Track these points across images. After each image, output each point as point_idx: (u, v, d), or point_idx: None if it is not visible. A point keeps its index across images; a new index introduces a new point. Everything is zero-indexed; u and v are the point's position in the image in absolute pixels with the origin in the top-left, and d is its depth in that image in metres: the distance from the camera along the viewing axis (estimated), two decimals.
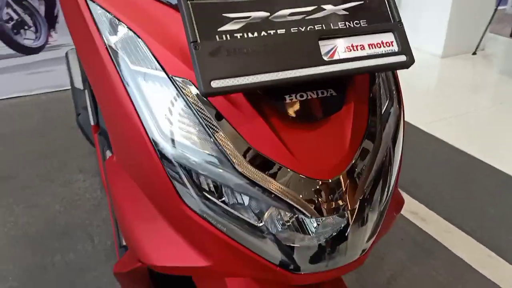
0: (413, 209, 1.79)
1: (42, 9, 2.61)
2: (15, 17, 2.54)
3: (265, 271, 0.63)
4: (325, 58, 0.57)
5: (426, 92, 2.95)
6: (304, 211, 0.59)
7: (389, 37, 0.62)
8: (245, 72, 0.53)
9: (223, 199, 0.61)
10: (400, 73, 0.75)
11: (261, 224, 0.61)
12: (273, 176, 0.58)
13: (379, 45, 0.61)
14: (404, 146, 0.74)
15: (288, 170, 0.58)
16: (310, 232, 0.62)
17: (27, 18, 2.58)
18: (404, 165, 2.12)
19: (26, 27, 2.59)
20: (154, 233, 0.68)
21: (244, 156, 0.58)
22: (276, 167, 0.58)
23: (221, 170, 0.59)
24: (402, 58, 0.61)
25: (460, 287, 1.44)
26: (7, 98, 2.65)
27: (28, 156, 2.07)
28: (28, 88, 2.68)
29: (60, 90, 2.73)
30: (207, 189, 0.61)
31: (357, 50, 0.60)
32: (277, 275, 0.63)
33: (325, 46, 0.58)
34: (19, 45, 2.58)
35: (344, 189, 0.60)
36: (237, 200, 0.61)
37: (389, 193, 0.69)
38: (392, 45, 0.62)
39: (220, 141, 0.58)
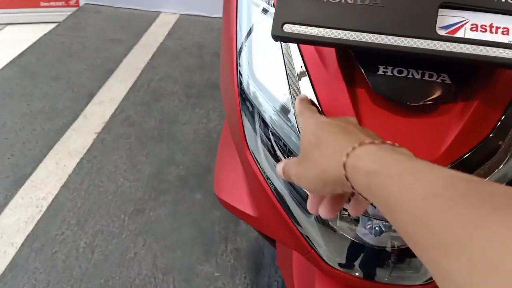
0: None
1: None
2: None
3: (300, 248, 0.58)
4: (441, 33, 0.44)
5: None
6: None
7: None
8: (327, 24, 0.46)
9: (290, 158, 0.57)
10: None
11: None
12: None
13: None
14: None
15: None
16: (358, 231, 0.53)
17: None
18: None
19: None
20: (228, 172, 0.70)
21: None
22: None
23: (285, 125, 0.54)
24: None
25: None
26: None
27: None
28: None
29: None
30: (274, 142, 0.58)
31: (496, 33, 0.44)
32: (311, 258, 0.57)
33: (446, 17, 0.45)
34: None
35: None
36: None
37: None
38: None
39: (293, 94, 0.53)
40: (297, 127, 0.53)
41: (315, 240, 0.56)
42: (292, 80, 0.54)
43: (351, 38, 0.46)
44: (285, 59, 0.56)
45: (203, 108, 2.00)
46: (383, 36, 0.45)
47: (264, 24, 0.61)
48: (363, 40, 0.45)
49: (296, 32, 0.46)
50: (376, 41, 0.45)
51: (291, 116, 0.54)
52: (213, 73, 2.28)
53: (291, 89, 0.54)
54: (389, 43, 0.45)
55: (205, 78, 2.23)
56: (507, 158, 0.49)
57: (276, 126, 0.56)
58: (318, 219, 0.55)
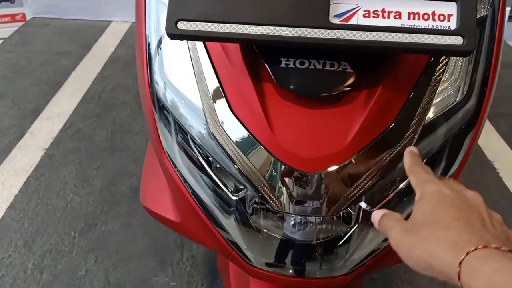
0: None
1: None
2: None
3: (222, 249, 0.56)
4: (334, 21, 0.44)
5: None
6: (269, 200, 0.50)
7: (447, 8, 0.44)
8: (221, 19, 0.45)
9: (209, 158, 0.56)
10: None
11: (234, 198, 0.54)
12: (244, 149, 0.50)
13: (426, 17, 0.44)
14: None
15: (261, 147, 0.49)
16: (278, 227, 0.52)
17: None
18: None
19: None
20: (152, 180, 0.68)
21: (220, 116, 0.51)
22: (249, 140, 0.49)
23: (196, 124, 0.53)
24: (458, 40, 0.43)
25: None
26: None
27: None
28: None
29: None
30: (191, 144, 0.56)
31: (389, 18, 0.44)
32: (234, 259, 0.56)
33: (339, 4, 0.44)
34: None
35: (324, 190, 0.48)
36: (223, 167, 0.55)
37: None
38: (449, 20, 0.43)
39: (201, 92, 0.52)
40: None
41: (237, 240, 0.55)
42: (200, 77, 0.53)
43: (246, 32, 0.45)
44: (192, 57, 0.54)
45: (140, 124, 1.96)
46: (278, 28, 0.44)
47: None
48: (258, 33, 0.44)
49: (191, 29, 0.45)
50: (271, 33, 0.44)
51: (203, 116, 0.52)
52: None
53: (199, 88, 0.53)
54: (284, 34, 0.44)
55: None
56: (413, 141, 0.49)
57: (190, 127, 0.54)
58: (238, 219, 0.54)
